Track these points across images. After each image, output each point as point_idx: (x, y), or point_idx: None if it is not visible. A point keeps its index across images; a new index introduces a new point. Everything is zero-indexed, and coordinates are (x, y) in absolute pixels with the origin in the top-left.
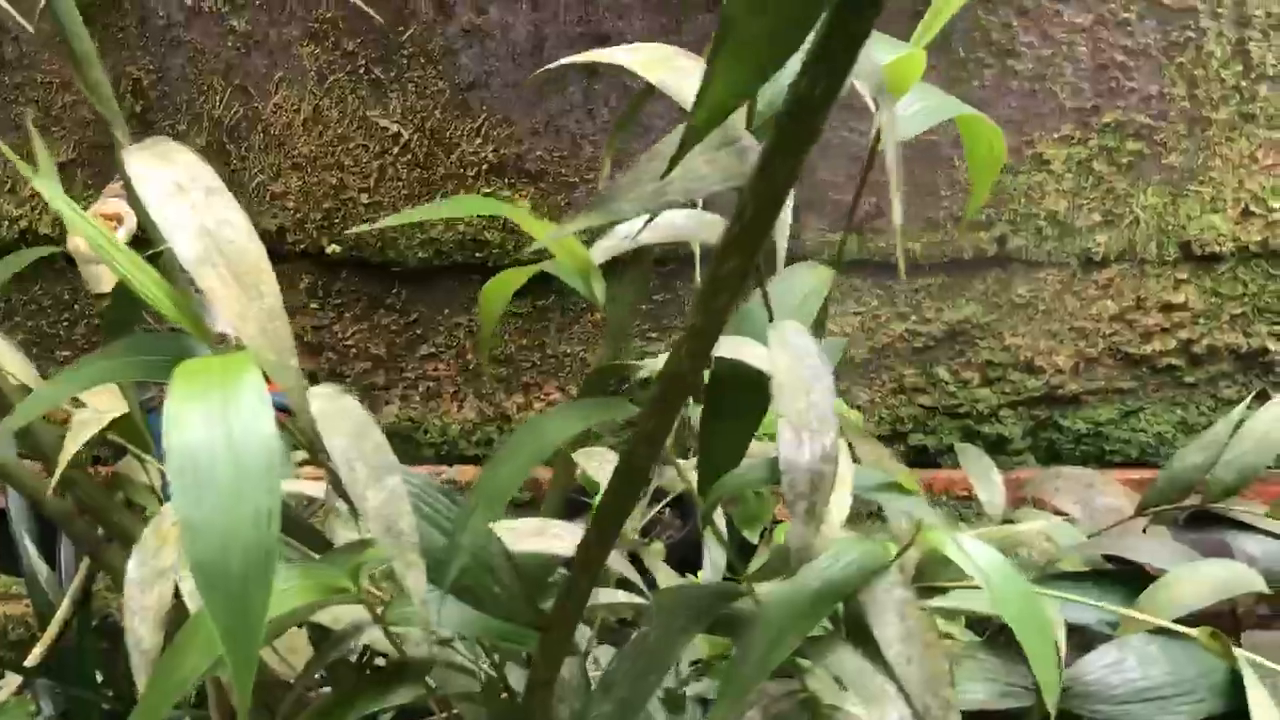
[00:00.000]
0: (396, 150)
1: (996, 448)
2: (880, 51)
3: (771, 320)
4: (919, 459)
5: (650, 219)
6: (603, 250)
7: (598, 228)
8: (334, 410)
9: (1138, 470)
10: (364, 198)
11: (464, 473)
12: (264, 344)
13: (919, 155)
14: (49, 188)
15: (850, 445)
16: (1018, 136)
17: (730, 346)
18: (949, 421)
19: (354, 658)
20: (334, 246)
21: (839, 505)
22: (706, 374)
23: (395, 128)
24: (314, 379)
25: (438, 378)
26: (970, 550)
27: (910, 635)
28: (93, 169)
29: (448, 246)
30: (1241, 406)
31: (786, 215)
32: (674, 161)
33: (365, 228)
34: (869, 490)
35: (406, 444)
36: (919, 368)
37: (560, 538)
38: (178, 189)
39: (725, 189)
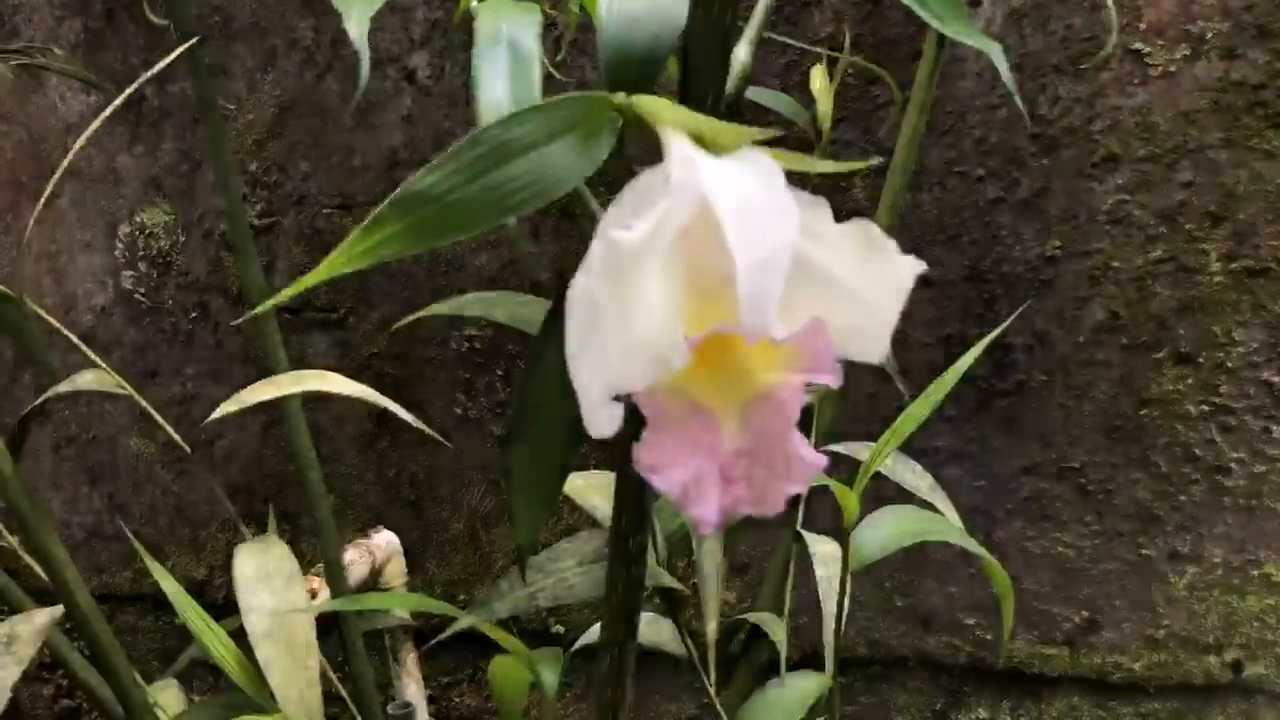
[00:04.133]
0: None
1: None
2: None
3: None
4: None
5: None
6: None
7: None
8: None
9: None
10: None
11: None
12: (298, 708)
13: (1129, 569)
14: (180, 598)
15: None
16: (1240, 554)
17: None
18: None
19: None
20: (559, 626)
21: None
22: None
23: None
24: None
25: None
26: None
27: None
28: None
29: None
30: None
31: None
32: (522, 571)
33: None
34: None
35: None
36: None
37: None
38: (265, 576)
39: (591, 597)
